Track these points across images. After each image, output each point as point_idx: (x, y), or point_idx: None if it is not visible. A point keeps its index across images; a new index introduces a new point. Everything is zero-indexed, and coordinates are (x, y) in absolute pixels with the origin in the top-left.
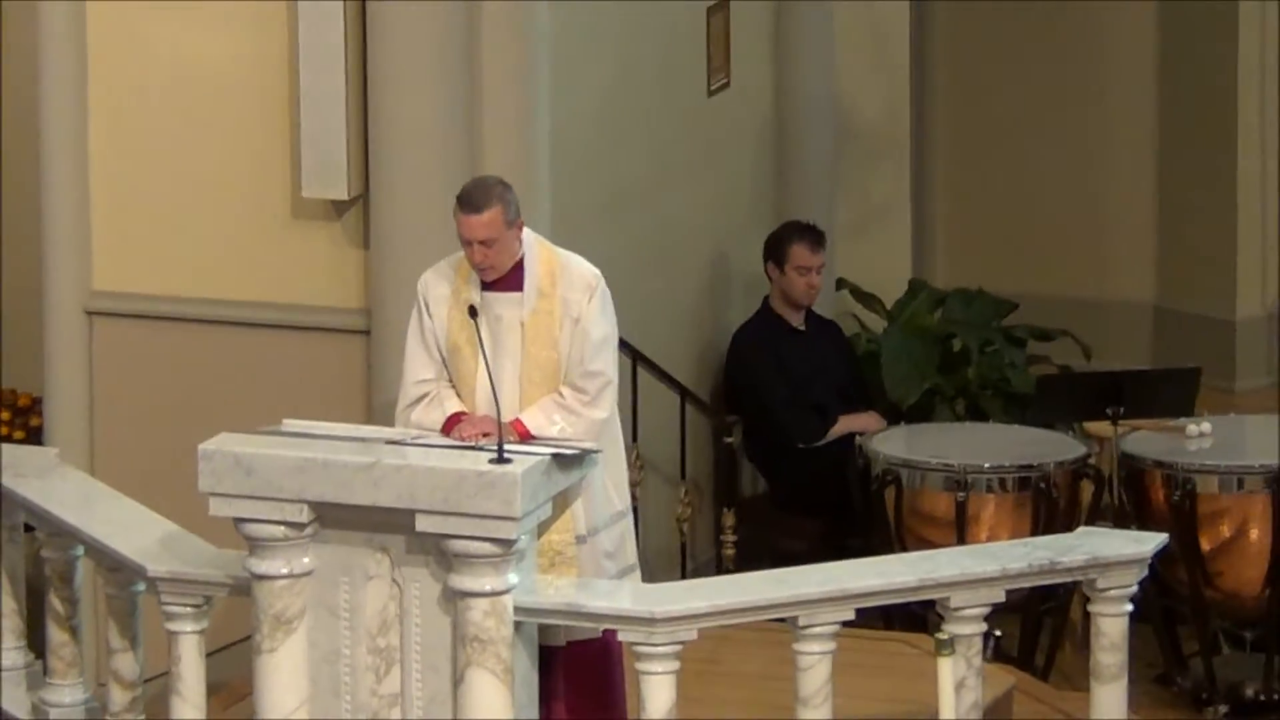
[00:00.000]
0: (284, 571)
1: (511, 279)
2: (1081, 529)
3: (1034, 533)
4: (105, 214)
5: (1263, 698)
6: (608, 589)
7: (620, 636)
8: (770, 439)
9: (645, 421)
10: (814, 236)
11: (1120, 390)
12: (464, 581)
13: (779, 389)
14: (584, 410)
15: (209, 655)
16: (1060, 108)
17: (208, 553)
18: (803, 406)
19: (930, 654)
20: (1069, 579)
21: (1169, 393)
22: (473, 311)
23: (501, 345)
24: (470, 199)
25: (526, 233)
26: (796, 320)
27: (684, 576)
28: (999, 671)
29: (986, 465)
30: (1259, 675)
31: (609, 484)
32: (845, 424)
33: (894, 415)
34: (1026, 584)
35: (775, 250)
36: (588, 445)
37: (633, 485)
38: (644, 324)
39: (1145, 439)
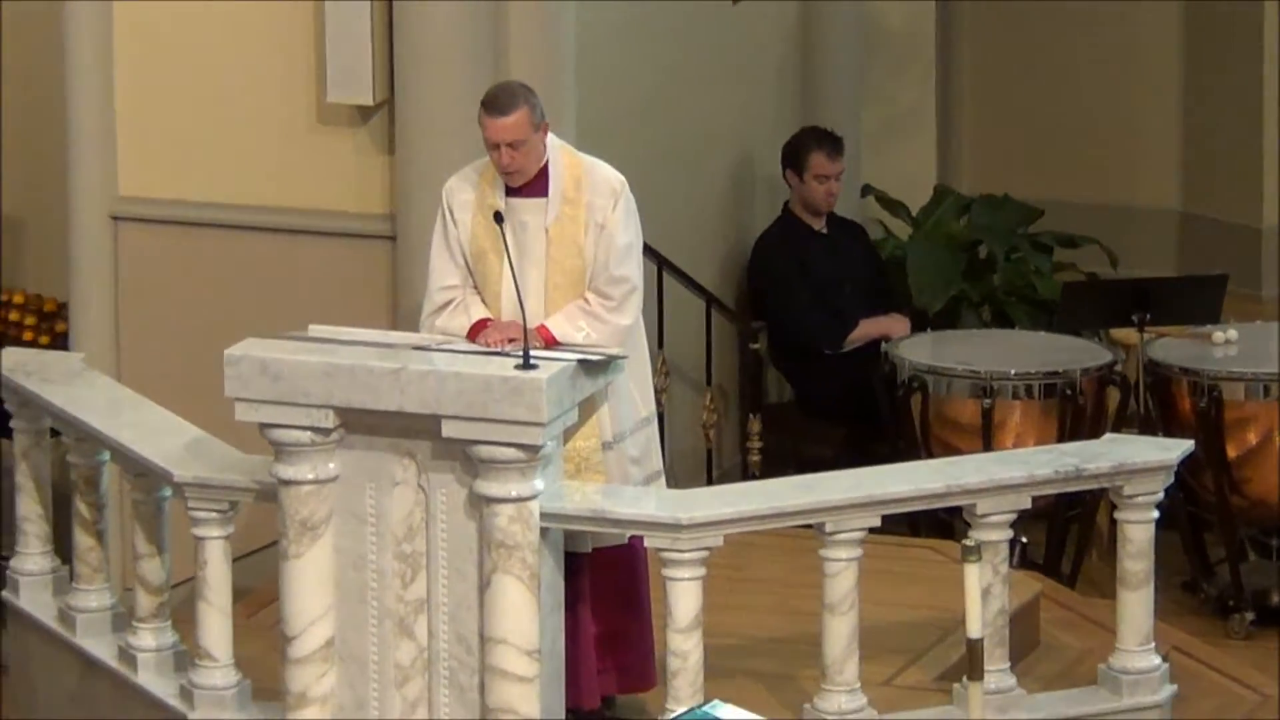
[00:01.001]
0: (310, 477)
1: (536, 185)
2: (1108, 436)
3: (1060, 439)
4: (131, 120)
5: None
6: (634, 495)
7: (647, 543)
8: (794, 344)
9: (671, 327)
10: (832, 144)
11: (1147, 297)
12: (490, 487)
13: (801, 293)
14: (609, 316)
15: (235, 560)
16: (1086, 12)
17: (234, 458)
18: (825, 311)
19: (957, 561)
20: (1095, 486)
21: (1195, 300)
22: (498, 217)
23: (527, 251)
24: (496, 102)
25: (551, 138)
26: (818, 224)
27: (710, 483)
28: (1025, 578)
29: (1013, 372)
30: None
31: (634, 390)
32: (866, 328)
33: (920, 321)
34: (1053, 490)
35: (793, 158)
36: (613, 351)
37: (658, 391)
38: (669, 230)
39: (1171, 346)
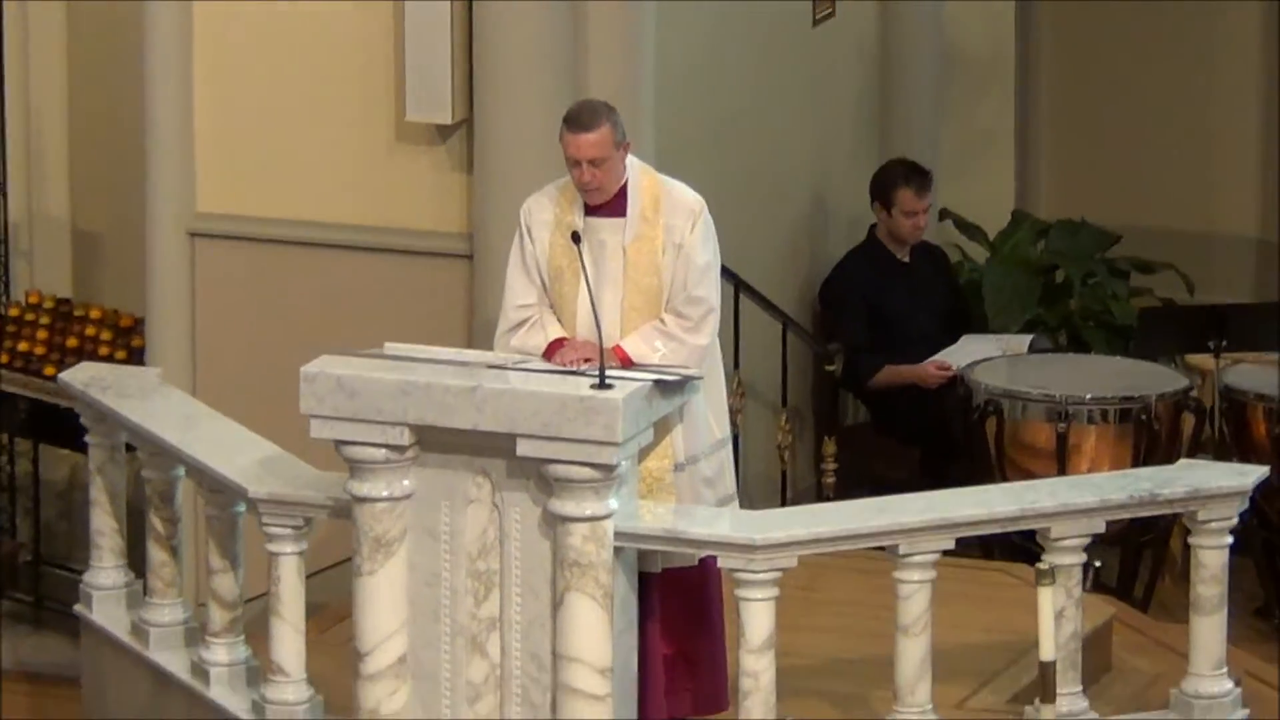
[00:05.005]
0: (384, 494)
1: (615, 204)
2: (1182, 461)
3: (1135, 464)
4: (209, 136)
5: None
6: (708, 515)
7: (720, 563)
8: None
9: (747, 349)
10: (921, 180)
11: (1223, 323)
12: (564, 506)
13: (857, 324)
14: (686, 337)
15: (309, 576)
16: (1167, 37)
17: (308, 475)
18: (876, 347)
19: (1030, 584)
20: (1169, 511)
21: (1272, 326)
22: (576, 237)
23: (604, 271)
24: (578, 118)
25: (631, 159)
26: (901, 253)
27: (784, 504)
28: (1098, 602)
29: (1088, 396)
30: None
31: (709, 412)
32: (890, 374)
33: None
34: (1127, 515)
35: (881, 192)
36: (689, 371)
37: (734, 412)
38: (746, 251)
39: (1247, 372)
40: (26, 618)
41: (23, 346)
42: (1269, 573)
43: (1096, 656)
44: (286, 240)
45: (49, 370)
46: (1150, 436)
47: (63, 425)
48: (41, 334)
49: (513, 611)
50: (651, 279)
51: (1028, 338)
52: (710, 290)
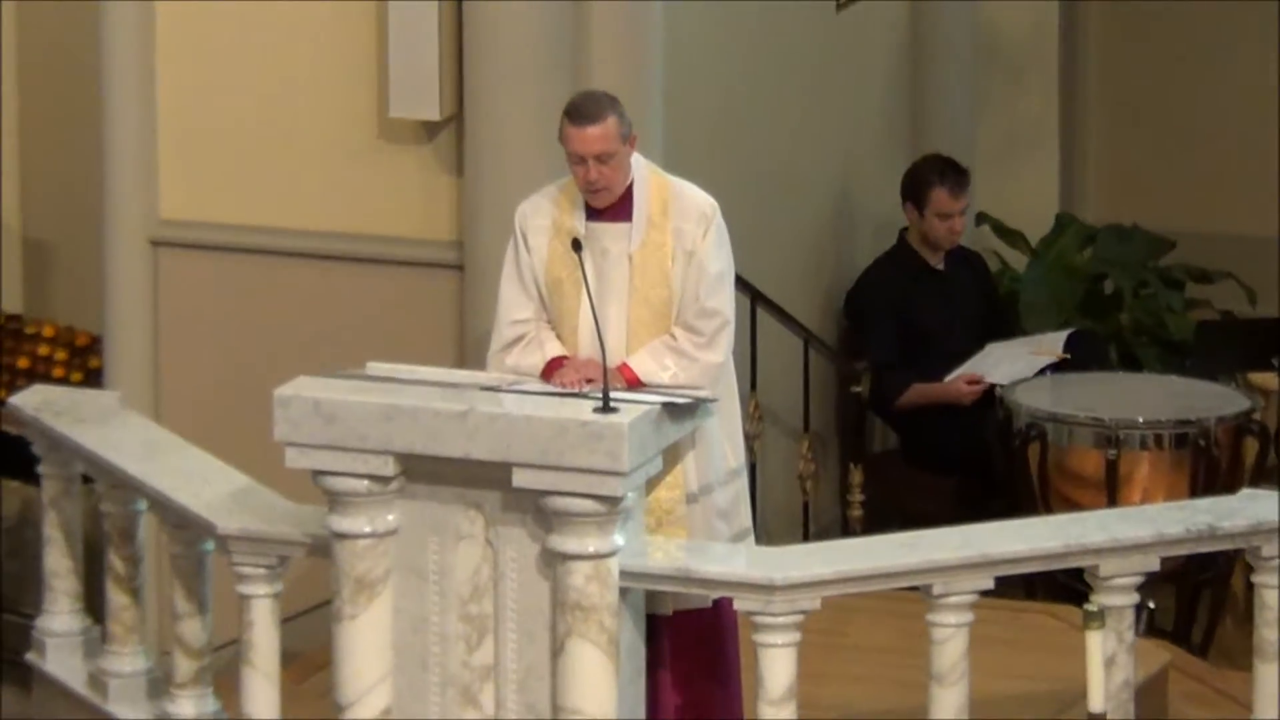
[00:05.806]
0: (367, 530)
1: (619, 208)
2: (1245, 491)
3: (1192, 494)
4: (174, 135)
5: None
6: (723, 553)
7: (736, 605)
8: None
9: (764, 368)
10: (956, 178)
11: None
12: (565, 543)
13: (884, 341)
14: (698, 354)
15: (284, 621)
16: (1226, 21)
17: (283, 508)
18: (906, 366)
19: (1077, 627)
20: (1231, 546)
21: None
22: (576, 245)
23: (607, 281)
24: (581, 110)
25: (636, 158)
26: (935, 260)
27: (806, 539)
28: (1153, 648)
29: (1141, 420)
30: None
31: (724, 438)
32: (918, 392)
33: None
34: (1184, 551)
35: (913, 192)
36: (702, 393)
37: (751, 438)
38: (763, 260)
39: None
40: None
41: None
42: None
43: (1151, 707)
44: (258, 249)
45: None
46: (1209, 464)
47: (13, 455)
48: None
49: (508, 659)
50: (660, 290)
51: (1063, 335)
52: (724, 302)
